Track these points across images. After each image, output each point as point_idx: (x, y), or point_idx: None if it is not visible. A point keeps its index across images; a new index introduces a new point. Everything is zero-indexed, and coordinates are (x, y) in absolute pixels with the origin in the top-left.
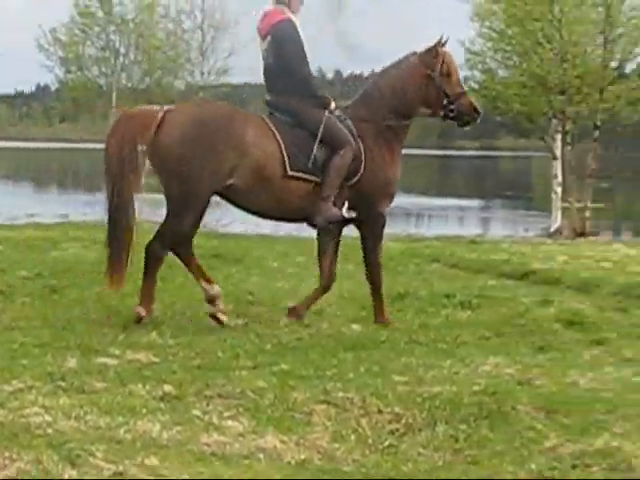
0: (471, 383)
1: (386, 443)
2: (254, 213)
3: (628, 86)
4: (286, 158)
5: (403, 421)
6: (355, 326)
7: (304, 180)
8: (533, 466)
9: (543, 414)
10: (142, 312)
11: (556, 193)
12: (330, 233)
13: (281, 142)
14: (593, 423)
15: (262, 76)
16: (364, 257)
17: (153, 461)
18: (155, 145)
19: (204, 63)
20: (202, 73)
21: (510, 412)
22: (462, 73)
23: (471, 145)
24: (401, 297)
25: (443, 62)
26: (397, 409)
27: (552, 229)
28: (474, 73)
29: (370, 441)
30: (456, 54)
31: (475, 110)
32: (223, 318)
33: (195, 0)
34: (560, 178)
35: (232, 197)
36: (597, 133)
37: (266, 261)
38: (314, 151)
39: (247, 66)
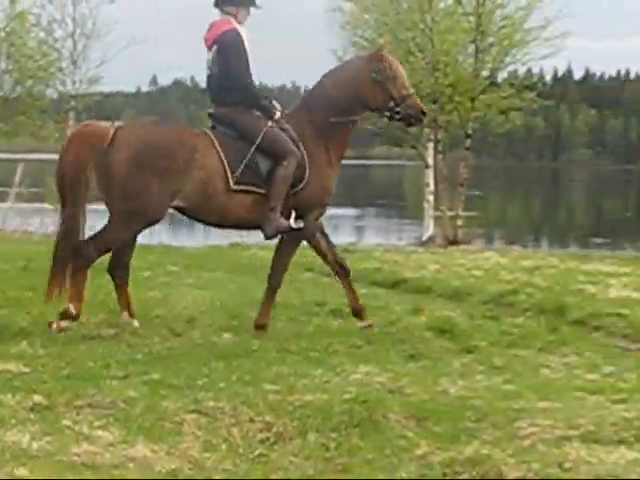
0: (342, 391)
1: (257, 452)
2: (206, 224)
3: (499, 95)
4: (229, 173)
5: (274, 430)
6: (227, 335)
7: (249, 192)
8: (404, 474)
9: (414, 422)
10: (73, 309)
11: (428, 201)
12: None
13: (223, 158)
14: (463, 431)
15: (207, 88)
16: (275, 259)
17: (23, 472)
18: (104, 161)
19: (76, 72)
20: (74, 82)
21: (381, 420)
22: None
23: (345, 154)
24: (273, 306)
25: (390, 66)
26: (268, 418)
27: (424, 237)
28: None
29: (241, 450)
30: (329, 63)
31: (421, 112)
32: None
33: (66, 9)
34: (432, 186)
35: (182, 213)
36: (469, 142)
37: (138, 271)
38: (257, 163)
39: (118, 75)
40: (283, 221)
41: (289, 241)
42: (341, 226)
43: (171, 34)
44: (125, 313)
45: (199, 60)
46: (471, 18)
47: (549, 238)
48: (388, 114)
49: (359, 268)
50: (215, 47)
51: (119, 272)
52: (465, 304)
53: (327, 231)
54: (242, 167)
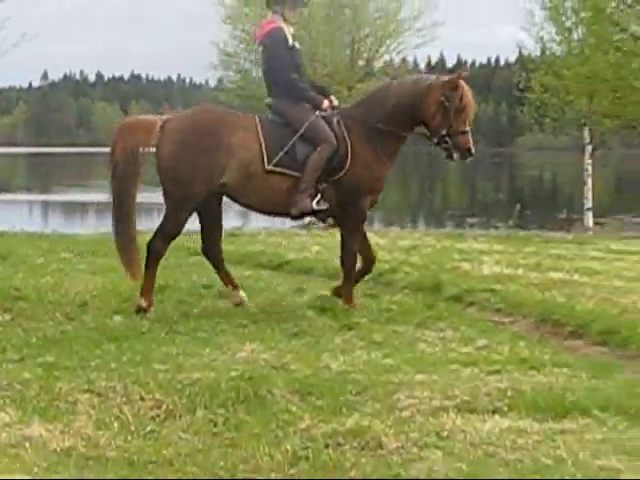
0: (229, 369)
1: (148, 429)
2: (247, 207)
3: (375, 84)
4: (265, 155)
5: (164, 407)
6: (118, 318)
7: (286, 176)
8: (288, 446)
9: (297, 397)
10: (143, 304)
11: None
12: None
13: (263, 141)
14: (344, 404)
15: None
16: (341, 247)
17: None
18: (157, 152)
19: None
20: None
21: (266, 396)
22: (217, 74)
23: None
24: (162, 289)
25: (462, 97)
26: (158, 396)
27: (307, 220)
28: (229, 73)
29: (132, 427)
30: (211, 55)
31: (468, 151)
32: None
33: None
34: None
35: (227, 194)
36: None
37: (32, 257)
38: (295, 149)
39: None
40: (308, 203)
41: (345, 228)
42: (228, 211)
43: (67, 30)
44: (230, 288)
45: (88, 55)
46: (347, 10)
47: (426, 219)
48: (436, 140)
49: (244, 251)
50: (262, 45)
51: (212, 254)
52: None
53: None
54: (280, 152)
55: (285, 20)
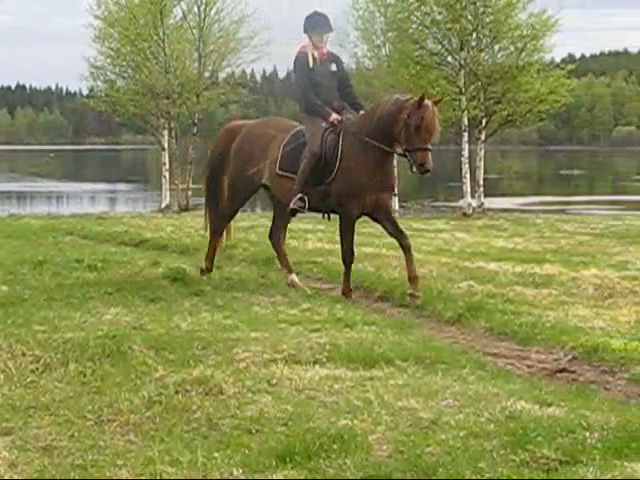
0: (96, 329)
1: (28, 379)
2: (280, 201)
3: (219, 92)
4: (278, 161)
5: (42, 361)
6: (4, 287)
7: (290, 178)
8: (145, 393)
9: (153, 352)
10: (204, 266)
11: (165, 177)
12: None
13: (281, 148)
14: (192, 357)
15: None
16: (340, 239)
17: None
18: (232, 149)
19: None
20: None
21: (127, 351)
22: (88, 84)
23: (99, 141)
24: (41, 263)
25: (422, 116)
26: (37, 352)
27: (162, 206)
28: (98, 84)
29: (15, 379)
30: (83, 68)
31: (421, 166)
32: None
33: None
34: (168, 165)
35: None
36: (195, 129)
37: None
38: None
39: None
40: (294, 202)
41: (341, 223)
42: (97, 198)
43: None
44: (287, 273)
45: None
46: (195, 31)
47: (262, 203)
48: (402, 154)
49: (111, 231)
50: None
51: (275, 239)
52: (194, 258)
53: (86, 203)
54: (285, 157)
55: (313, 44)
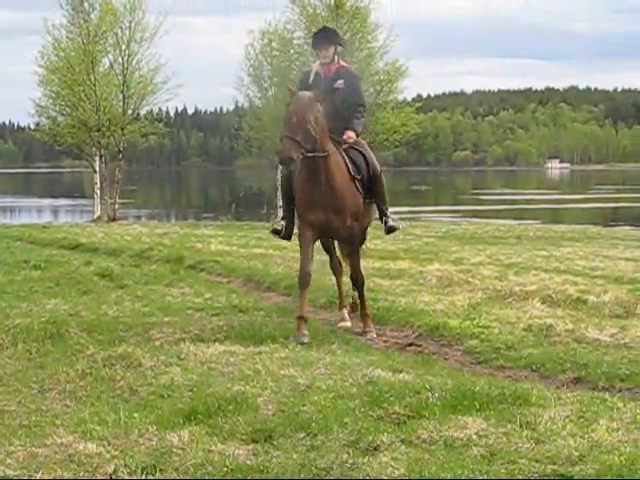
0: (40, 316)
1: None
2: None
3: (140, 125)
4: None
5: None
6: None
7: None
8: (79, 367)
9: (85, 333)
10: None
11: (96, 194)
12: None
13: None
14: (117, 338)
15: None
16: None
17: None
18: None
19: None
20: None
21: (64, 333)
22: (34, 119)
23: (45, 165)
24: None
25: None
26: None
27: (95, 217)
28: (42, 119)
29: None
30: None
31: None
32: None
33: None
34: (99, 184)
35: None
36: (121, 155)
37: None
38: None
39: None
40: None
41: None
42: (43, 211)
43: None
44: (334, 277)
45: None
46: (120, 77)
47: (175, 214)
48: None
49: (53, 238)
50: None
51: (327, 246)
52: (119, 258)
53: (33, 215)
54: None
55: (319, 59)
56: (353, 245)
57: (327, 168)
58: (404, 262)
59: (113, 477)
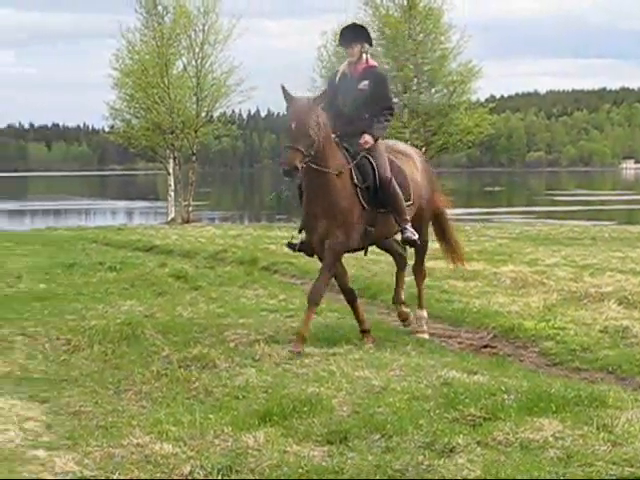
0: (115, 318)
1: (62, 358)
2: None
3: (213, 128)
4: None
5: (72, 343)
6: (42, 285)
7: None
8: (154, 368)
9: (161, 335)
10: None
11: (171, 196)
12: None
13: None
14: (192, 339)
15: None
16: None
17: None
18: None
19: None
20: None
21: (140, 335)
22: (108, 122)
23: (119, 168)
24: (71, 266)
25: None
26: (69, 336)
27: (169, 219)
28: (116, 122)
29: (51, 357)
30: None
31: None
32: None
33: None
34: (173, 186)
35: None
36: (194, 157)
37: None
38: None
39: None
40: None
41: None
42: (118, 213)
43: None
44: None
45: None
46: (193, 79)
47: (249, 216)
48: None
49: (127, 240)
50: None
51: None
52: (194, 260)
53: (108, 217)
54: None
55: (348, 58)
56: (331, 255)
57: (328, 179)
58: (478, 263)
59: (189, 478)
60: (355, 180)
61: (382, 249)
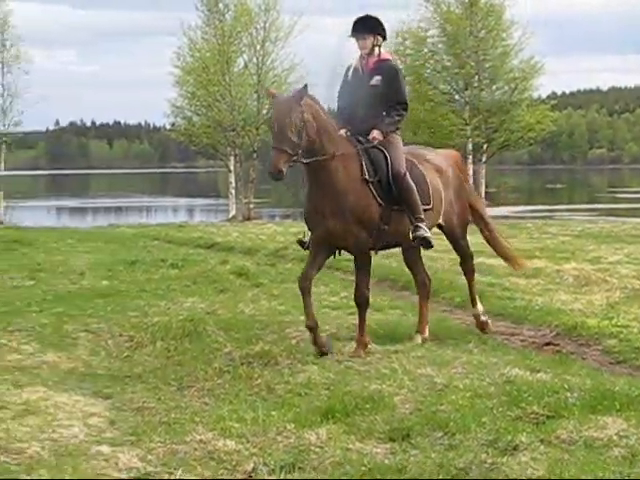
0: (177, 314)
1: (124, 355)
2: None
3: None
4: None
5: (135, 340)
6: (104, 282)
7: None
8: (216, 364)
9: (222, 332)
10: None
11: (231, 193)
12: None
13: None
14: (253, 336)
15: None
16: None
17: None
18: None
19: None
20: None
21: (202, 331)
22: (170, 120)
23: (180, 165)
24: (133, 263)
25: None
26: (131, 333)
27: (230, 216)
28: (178, 120)
29: (114, 354)
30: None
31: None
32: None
33: None
34: (234, 184)
35: None
36: (255, 155)
37: (48, 243)
38: None
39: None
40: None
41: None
42: (179, 210)
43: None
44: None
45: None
46: (254, 77)
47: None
48: None
49: (189, 237)
50: None
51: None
52: (255, 257)
53: (169, 214)
54: None
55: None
56: (360, 255)
57: (329, 171)
58: (540, 261)
59: (252, 475)
60: (366, 175)
61: (409, 268)
